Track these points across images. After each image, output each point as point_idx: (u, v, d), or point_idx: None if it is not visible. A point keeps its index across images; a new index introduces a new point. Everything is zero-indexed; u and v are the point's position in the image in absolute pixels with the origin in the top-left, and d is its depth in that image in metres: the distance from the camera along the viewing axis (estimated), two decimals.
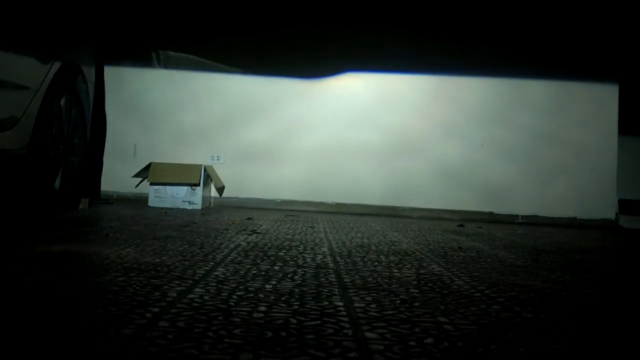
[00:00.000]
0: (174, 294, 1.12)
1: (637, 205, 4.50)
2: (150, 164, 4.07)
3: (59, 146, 2.99)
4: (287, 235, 2.44)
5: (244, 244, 2.03)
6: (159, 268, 1.41)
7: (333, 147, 4.51)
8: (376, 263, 1.72)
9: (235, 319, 0.95)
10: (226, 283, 1.27)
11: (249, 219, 3.23)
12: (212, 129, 4.53)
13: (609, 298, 1.41)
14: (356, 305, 1.12)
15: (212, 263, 1.54)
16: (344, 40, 4.52)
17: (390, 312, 1.07)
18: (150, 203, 3.97)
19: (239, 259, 1.65)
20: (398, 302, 1.17)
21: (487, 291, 1.34)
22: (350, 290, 1.26)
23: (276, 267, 1.53)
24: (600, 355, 0.90)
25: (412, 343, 0.87)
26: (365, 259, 1.80)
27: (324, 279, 1.39)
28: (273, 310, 1.04)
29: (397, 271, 1.58)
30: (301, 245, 2.08)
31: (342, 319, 1.00)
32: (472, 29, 4.50)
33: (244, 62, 4.54)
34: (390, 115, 4.51)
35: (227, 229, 2.54)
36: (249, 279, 1.34)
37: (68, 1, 3.16)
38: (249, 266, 1.53)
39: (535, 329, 1.01)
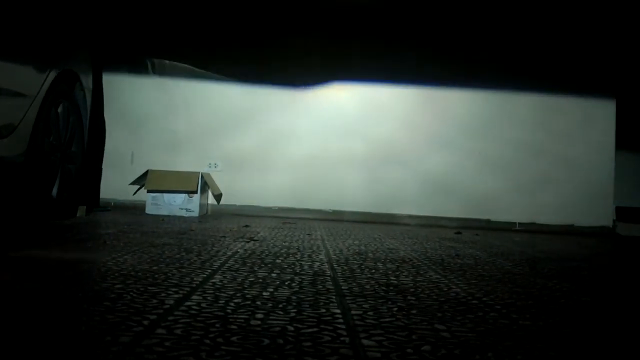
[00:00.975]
0: (172, 302, 1.12)
1: (634, 212, 4.51)
2: (147, 171, 4.07)
3: (56, 154, 2.98)
4: (285, 242, 2.44)
5: (241, 251, 2.03)
6: (156, 275, 1.41)
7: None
8: (373, 270, 1.72)
9: (233, 327, 0.95)
10: (223, 290, 1.27)
11: (246, 226, 3.23)
12: (204, 138, 4.53)
13: (606, 305, 1.41)
14: (353, 312, 1.12)
15: (209, 270, 1.54)
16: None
17: (387, 320, 1.07)
18: (148, 210, 3.97)
19: (237, 266, 1.65)
20: (395, 309, 1.17)
21: (484, 298, 1.35)
22: (347, 298, 1.26)
23: (273, 275, 1.53)
24: None
25: (409, 350, 0.87)
26: (362, 266, 1.80)
27: (321, 287, 1.39)
28: (270, 317, 1.04)
29: (394, 278, 1.58)
30: (298, 253, 2.08)
31: (339, 326, 1.00)
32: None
33: (237, 71, 4.56)
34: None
35: (224, 237, 2.54)
36: (246, 286, 1.34)
37: (65, 9, 3.17)
38: (246, 273, 1.52)
39: (532, 337, 1.01)
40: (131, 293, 1.18)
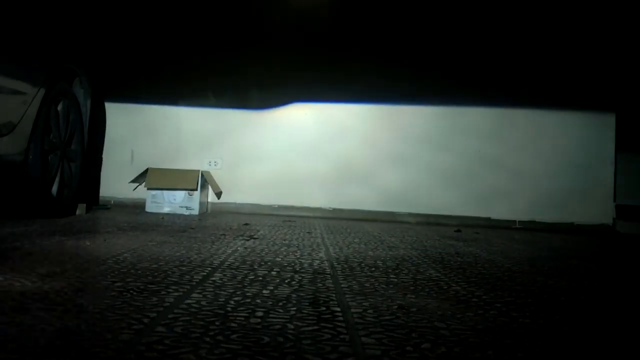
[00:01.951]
0: (172, 299, 1.12)
1: (634, 210, 4.51)
2: (147, 169, 4.07)
3: (56, 152, 2.98)
4: (284, 240, 2.44)
5: (241, 249, 2.03)
6: (156, 273, 1.41)
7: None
8: (373, 268, 1.72)
9: (233, 324, 0.95)
10: (223, 288, 1.27)
11: (246, 224, 3.23)
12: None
13: (606, 303, 1.41)
14: (353, 310, 1.12)
15: (209, 268, 1.54)
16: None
17: (387, 318, 1.07)
18: (148, 208, 3.97)
19: (236, 264, 1.65)
20: (395, 307, 1.17)
21: (484, 296, 1.35)
22: (347, 296, 1.27)
23: (273, 273, 1.53)
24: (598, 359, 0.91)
25: (409, 348, 0.87)
26: (362, 264, 1.80)
27: (321, 285, 1.39)
28: (270, 315, 1.04)
29: (394, 276, 1.58)
30: (298, 251, 2.08)
31: (339, 324, 1.00)
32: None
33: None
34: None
35: (224, 234, 2.54)
36: (246, 284, 1.34)
37: (65, 11, 3.17)
38: (246, 271, 1.52)
39: (532, 335, 1.01)
40: (131, 291, 1.18)
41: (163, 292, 1.18)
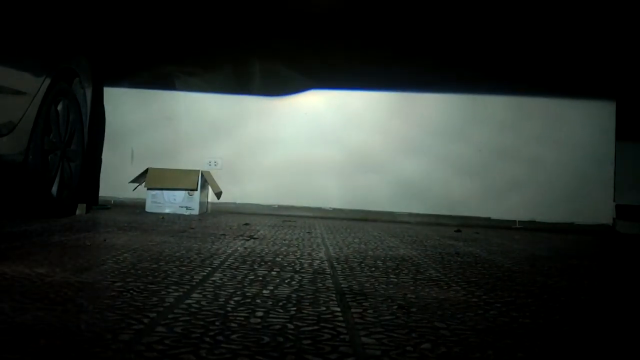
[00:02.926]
0: (172, 300, 1.12)
1: (634, 210, 4.51)
2: (147, 169, 4.07)
3: (56, 152, 2.98)
4: (285, 240, 2.44)
5: (241, 249, 2.03)
6: (156, 273, 1.41)
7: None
8: (373, 268, 1.72)
9: (233, 325, 0.95)
10: (223, 288, 1.27)
11: (246, 224, 3.23)
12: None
13: (606, 303, 1.41)
14: (353, 310, 1.12)
15: (209, 269, 1.54)
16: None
17: (387, 317, 1.07)
18: (148, 208, 3.97)
19: (236, 264, 1.65)
20: (395, 307, 1.17)
21: (484, 296, 1.35)
22: (347, 296, 1.27)
23: (273, 273, 1.53)
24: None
25: (409, 348, 0.87)
26: (362, 264, 1.80)
27: (321, 285, 1.39)
28: (270, 315, 1.04)
29: (394, 276, 1.58)
30: (298, 251, 2.08)
31: (339, 324, 1.00)
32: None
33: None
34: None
35: (224, 234, 2.54)
36: (246, 284, 1.34)
37: (64, 10, 3.16)
38: (246, 272, 1.53)
39: (532, 335, 1.01)
40: (131, 291, 1.18)
41: (163, 292, 1.18)
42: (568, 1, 4.40)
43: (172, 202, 3.97)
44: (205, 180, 4.17)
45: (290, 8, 4.52)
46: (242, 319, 1.00)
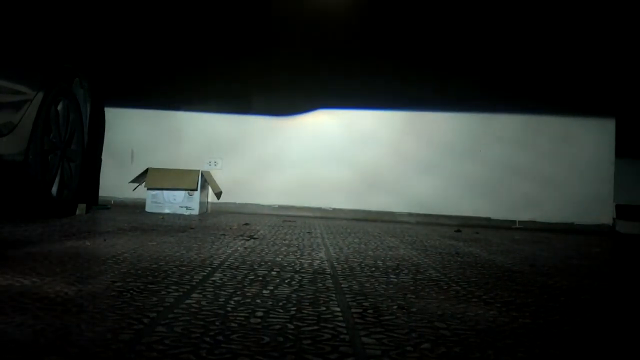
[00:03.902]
0: (172, 300, 1.12)
1: (634, 210, 4.51)
2: (147, 169, 4.07)
3: (56, 152, 2.98)
4: (284, 240, 2.44)
5: (241, 249, 2.03)
6: (156, 273, 1.41)
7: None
8: (373, 269, 1.72)
9: (233, 325, 0.95)
10: (223, 288, 1.27)
11: (246, 224, 3.23)
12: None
13: (606, 303, 1.41)
14: (353, 310, 1.12)
15: (209, 269, 1.54)
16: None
17: (387, 318, 1.07)
18: (148, 208, 3.97)
19: (236, 264, 1.65)
20: (395, 307, 1.17)
21: (484, 296, 1.35)
22: (347, 296, 1.26)
23: (273, 273, 1.53)
24: None
25: (409, 348, 0.87)
26: (362, 264, 1.80)
27: (321, 285, 1.39)
28: (270, 315, 1.04)
29: (394, 276, 1.58)
30: (298, 251, 2.08)
31: (339, 324, 1.00)
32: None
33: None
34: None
35: (224, 234, 2.54)
36: (246, 284, 1.34)
37: (63, 11, 3.17)
38: (246, 272, 1.52)
39: (532, 334, 1.01)
40: (131, 291, 1.18)
41: (163, 292, 1.18)
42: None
43: (172, 202, 3.97)
44: (205, 180, 4.17)
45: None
46: (242, 319, 1.00)
